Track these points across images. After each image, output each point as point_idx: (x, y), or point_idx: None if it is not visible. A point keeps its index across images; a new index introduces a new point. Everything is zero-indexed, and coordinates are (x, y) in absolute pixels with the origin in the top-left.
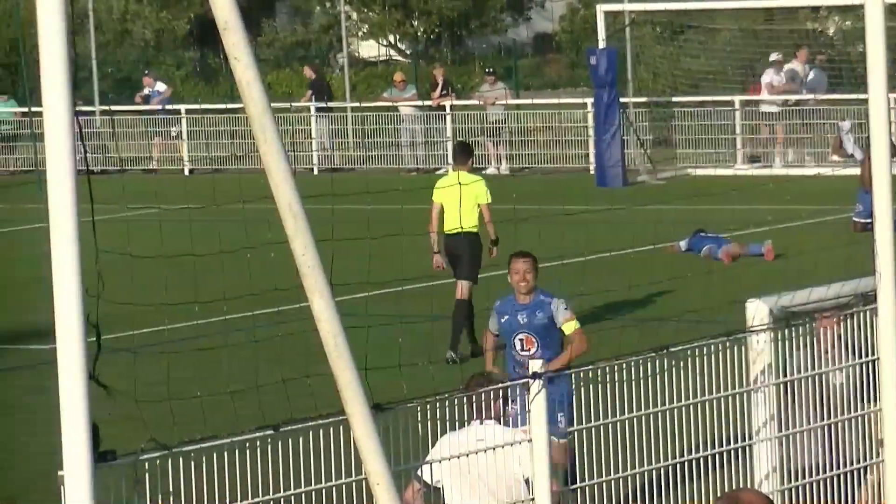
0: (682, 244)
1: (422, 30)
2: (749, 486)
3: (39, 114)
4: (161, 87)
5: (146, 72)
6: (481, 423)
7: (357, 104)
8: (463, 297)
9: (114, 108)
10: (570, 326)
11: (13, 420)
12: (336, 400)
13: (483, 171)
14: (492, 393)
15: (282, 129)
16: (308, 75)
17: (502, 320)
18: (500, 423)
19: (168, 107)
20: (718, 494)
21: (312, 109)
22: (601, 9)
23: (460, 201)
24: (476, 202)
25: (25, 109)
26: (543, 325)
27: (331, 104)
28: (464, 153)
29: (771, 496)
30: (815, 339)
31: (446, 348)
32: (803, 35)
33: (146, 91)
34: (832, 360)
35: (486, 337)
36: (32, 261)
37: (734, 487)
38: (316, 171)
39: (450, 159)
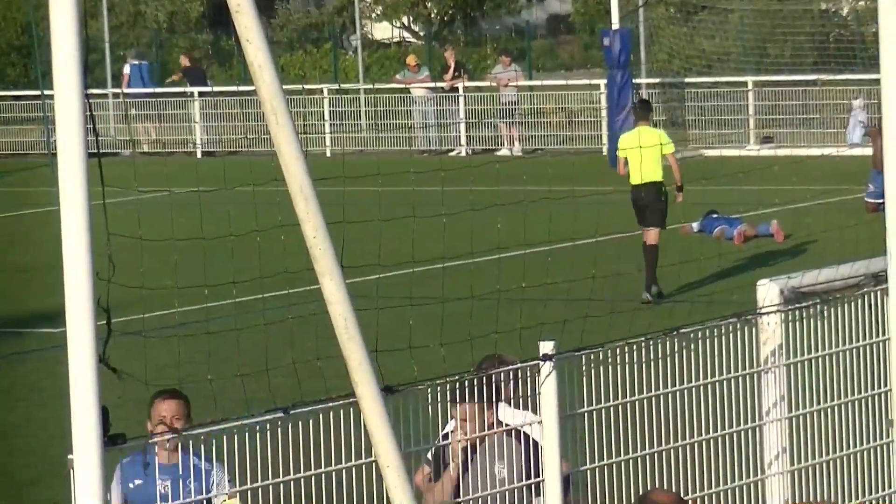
0: (695, 225)
1: (435, 11)
2: (758, 466)
3: (51, 96)
4: (126, 69)
5: (124, 53)
6: None
7: (370, 86)
8: (651, 242)
9: (126, 90)
10: None
11: (30, 403)
12: (346, 382)
13: (496, 153)
14: (503, 375)
15: (294, 112)
16: (183, 63)
17: (131, 485)
18: (510, 406)
19: (138, 89)
20: (728, 476)
21: (195, 94)
22: None
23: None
24: (660, 152)
25: None
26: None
27: (344, 86)
28: (645, 109)
29: (780, 478)
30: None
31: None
32: (817, 15)
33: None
34: (492, 455)
35: None
36: (45, 244)
37: (651, 488)
38: (328, 154)
39: (462, 140)
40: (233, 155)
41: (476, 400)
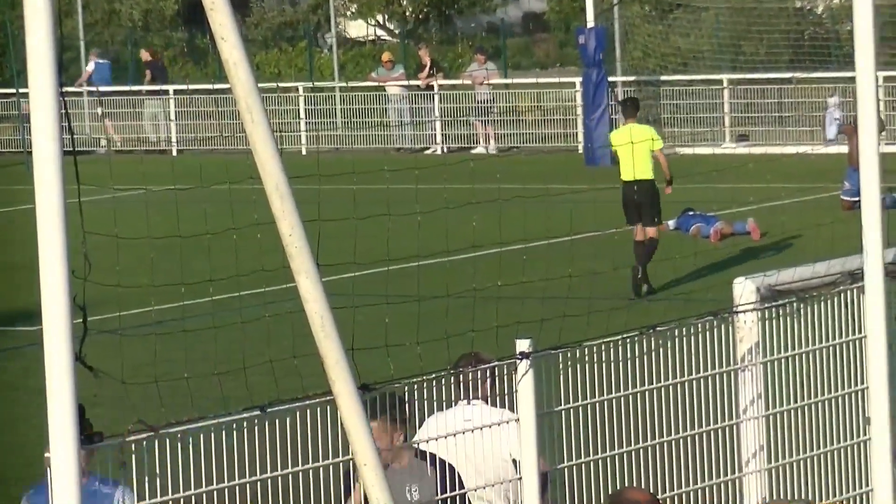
0: (671, 223)
1: (410, 9)
2: (735, 464)
3: (26, 94)
4: (90, 66)
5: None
6: (469, 403)
7: (345, 84)
8: (651, 236)
9: (101, 88)
10: None
11: (11, 401)
12: (323, 380)
13: (471, 151)
14: (479, 373)
15: (269, 110)
16: (145, 58)
17: None
18: (487, 404)
19: (105, 87)
20: (705, 474)
21: (171, 91)
22: None
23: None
24: (649, 149)
25: None
26: None
27: (318, 84)
28: (632, 107)
29: (757, 475)
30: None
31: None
32: (792, 13)
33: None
34: (403, 476)
35: None
36: (21, 242)
37: (625, 486)
38: (304, 152)
39: (438, 139)
40: (180, 154)
41: (382, 418)
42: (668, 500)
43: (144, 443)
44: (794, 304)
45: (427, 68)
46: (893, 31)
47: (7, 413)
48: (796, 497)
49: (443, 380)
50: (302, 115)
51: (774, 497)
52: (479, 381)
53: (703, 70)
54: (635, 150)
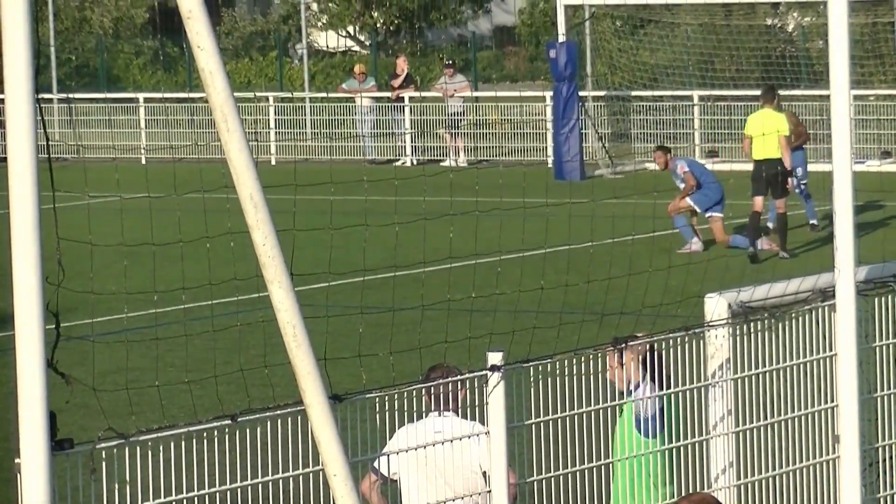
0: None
1: (381, 21)
2: (704, 481)
3: (1, 101)
4: None
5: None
6: (440, 414)
7: (321, 95)
8: (781, 210)
9: (72, 95)
10: None
11: None
12: (294, 390)
13: (440, 163)
14: (450, 385)
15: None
16: None
17: None
18: (458, 415)
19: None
20: (676, 490)
21: (140, 99)
22: (561, 2)
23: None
24: (778, 133)
25: None
26: None
27: (297, 95)
28: (770, 93)
29: (726, 492)
30: None
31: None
32: (762, 31)
33: None
34: None
35: None
36: None
37: (692, 488)
38: (273, 162)
39: (408, 151)
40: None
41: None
42: None
43: (114, 450)
44: (766, 321)
45: (402, 78)
46: (863, 50)
47: None
48: None
49: (414, 391)
50: (272, 125)
51: None
52: (451, 394)
53: (673, 86)
54: (766, 132)
